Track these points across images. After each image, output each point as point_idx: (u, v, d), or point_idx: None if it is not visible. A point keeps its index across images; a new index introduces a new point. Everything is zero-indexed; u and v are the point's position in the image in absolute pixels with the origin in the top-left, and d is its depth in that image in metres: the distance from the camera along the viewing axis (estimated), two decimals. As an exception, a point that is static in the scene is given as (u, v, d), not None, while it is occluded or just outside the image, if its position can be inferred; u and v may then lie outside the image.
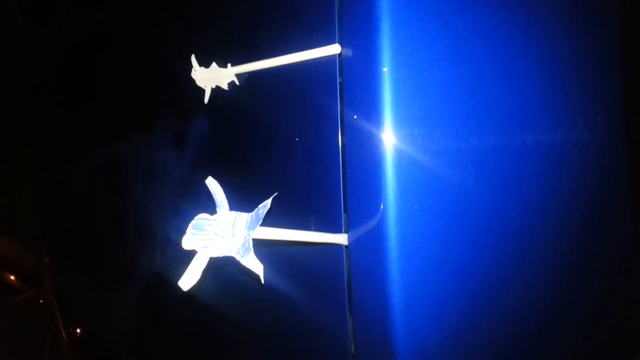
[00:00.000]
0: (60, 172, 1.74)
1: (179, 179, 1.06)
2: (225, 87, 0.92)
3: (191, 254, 0.58)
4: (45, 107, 1.85)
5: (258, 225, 0.58)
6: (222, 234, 0.56)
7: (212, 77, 0.92)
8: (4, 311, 2.09)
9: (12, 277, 2.10)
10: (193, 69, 0.94)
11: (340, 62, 0.76)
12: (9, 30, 2.00)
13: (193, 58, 0.94)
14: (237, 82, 0.91)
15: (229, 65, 0.89)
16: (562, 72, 0.88)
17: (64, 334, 1.76)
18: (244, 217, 0.57)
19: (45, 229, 1.92)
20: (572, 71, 0.90)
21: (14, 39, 2.02)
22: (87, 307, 1.65)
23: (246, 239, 0.57)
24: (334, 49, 0.76)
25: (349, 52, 0.75)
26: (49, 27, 1.80)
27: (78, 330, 1.70)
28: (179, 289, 0.58)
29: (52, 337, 1.86)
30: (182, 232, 0.57)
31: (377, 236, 0.72)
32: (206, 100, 0.95)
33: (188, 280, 0.55)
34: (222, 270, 0.88)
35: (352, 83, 0.75)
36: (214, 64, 0.91)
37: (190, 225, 0.55)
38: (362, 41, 0.73)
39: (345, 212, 0.76)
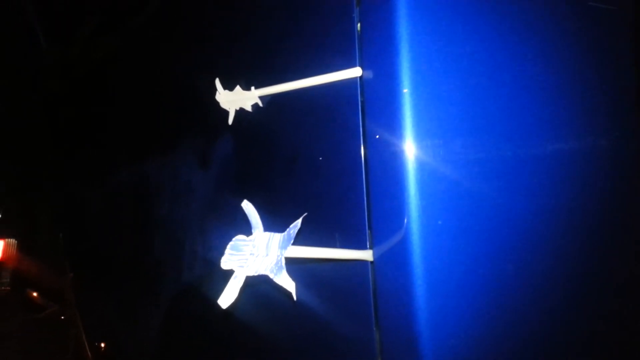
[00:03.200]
0: (84, 190, 1.78)
1: (203, 199, 1.09)
2: (249, 108, 0.95)
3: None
4: (69, 126, 1.90)
5: (290, 245, 0.60)
6: (257, 254, 0.58)
7: (236, 99, 0.95)
8: (28, 328, 2.13)
9: (35, 294, 2.14)
10: (217, 92, 0.97)
11: (361, 84, 0.79)
12: (31, 49, 2.06)
13: (217, 81, 0.97)
14: (260, 104, 0.94)
15: (252, 88, 0.93)
16: (577, 80, 0.90)
17: (87, 349, 1.79)
18: (277, 237, 0.60)
19: (69, 246, 1.96)
20: (586, 79, 0.91)
21: (36, 58, 2.08)
22: (111, 323, 1.67)
23: (279, 258, 0.59)
24: (355, 71, 0.79)
25: (369, 75, 0.78)
26: (72, 47, 1.86)
27: (102, 345, 1.73)
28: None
29: (75, 353, 1.89)
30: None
31: (401, 251, 0.73)
32: (230, 121, 0.98)
33: (227, 298, 0.58)
34: (255, 287, 0.91)
35: (374, 104, 0.77)
36: (237, 87, 0.95)
37: (228, 247, 0.58)
38: (382, 64, 0.76)
39: (369, 228, 0.78)
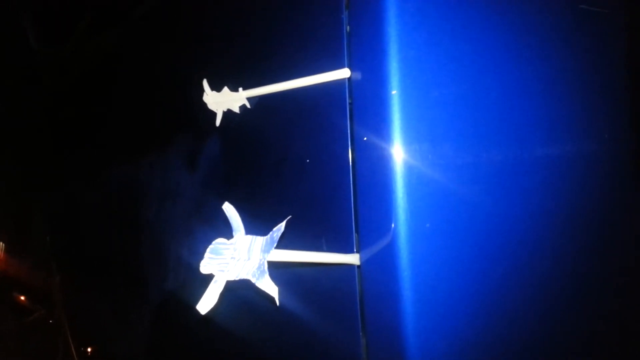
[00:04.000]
0: (71, 191, 1.76)
1: (192, 200, 1.07)
2: (236, 110, 0.94)
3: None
4: (58, 127, 1.88)
5: (273, 248, 0.59)
6: (239, 258, 0.57)
7: (223, 100, 0.94)
8: (15, 331, 2.10)
9: (23, 298, 2.11)
10: (205, 93, 0.96)
11: (349, 85, 0.78)
12: (23, 49, 2.04)
13: (205, 82, 0.96)
14: (248, 106, 0.93)
15: (240, 89, 0.92)
16: (569, 85, 0.90)
17: (74, 353, 1.77)
18: (259, 241, 0.58)
19: (56, 249, 1.94)
20: (578, 84, 0.91)
21: (28, 58, 2.06)
22: (98, 327, 1.65)
23: (261, 262, 0.58)
24: (344, 73, 0.78)
25: (358, 76, 0.77)
26: (64, 47, 1.85)
27: (89, 350, 1.71)
28: (192, 309, 0.59)
29: (63, 357, 1.86)
30: (195, 252, 0.59)
31: (388, 255, 0.72)
32: (218, 123, 0.97)
33: (206, 303, 0.56)
34: (237, 292, 0.90)
35: (362, 105, 0.77)
36: (225, 88, 0.94)
37: (207, 250, 0.57)
38: (370, 65, 0.75)
39: (356, 231, 0.77)
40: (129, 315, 1.41)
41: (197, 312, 0.59)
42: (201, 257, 0.58)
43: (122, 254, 1.43)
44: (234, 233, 0.59)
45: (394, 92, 0.73)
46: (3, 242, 2.11)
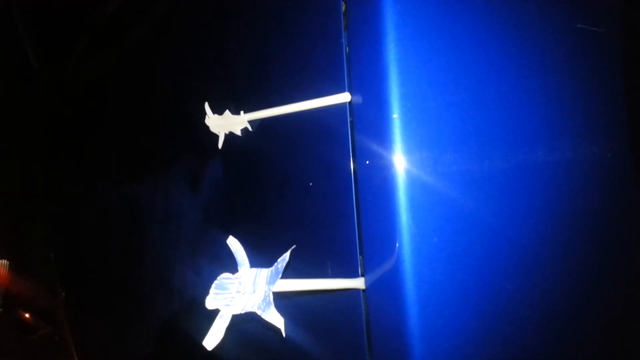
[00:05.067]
0: (75, 210, 1.76)
1: (194, 222, 1.07)
2: (238, 133, 0.94)
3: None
4: (59, 147, 1.89)
5: (278, 279, 0.59)
6: (244, 291, 0.57)
7: (225, 123, 0.94)
8: (20, 349, 2.09)
9: (27, 315, 2.11)
10: (207, 116, 0.96)
11: (350, 109, 0.78)
12: (23, 69, 2.06)
13: (207, 106, 0.96)
14: (249, 128, 0.93)
15: (241, 112, 0.92)
16: (569, 92, 0.90)
17: (79, 372, 1.76)
18: (264, 273, 0.58)
19: (60, 266, 1.94)
20: (578, 89, 0.91)
21: (27, 78, 2.08)
22: (103, 344, 1.65)
23: (267, 294, 0.58)
24: (344, 97, 0.78)
25: (358, 100, 0.77)
26: (63, 67, 1.86)
27: (94, 368, 1.70)
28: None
29: (68, 375, 1.86)
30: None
31: (393, 277, 0.72)
32: (220, 145, 0.97)
33: (212, 339, 0.56)
34: (243, 325, 0.89)
35: (363, 129, 0.77)
36: (227, 112, 0.94)
37: (213, 286, 0.57)
38: (371, 89, 0.76)
39: (361, 254, 0.77)
40: (133, 333, 1.41)
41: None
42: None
43: (126, 272, 1.43)
44: (238, 267, 0.59)
45: (394, 115, 0.73)
46: (7, 260, 2.11)
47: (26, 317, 2.09)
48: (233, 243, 0.60)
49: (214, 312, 0.58)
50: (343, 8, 0.78)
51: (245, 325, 0.88)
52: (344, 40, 0.79)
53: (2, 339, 2.11)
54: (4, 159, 2.21)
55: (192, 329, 1.01)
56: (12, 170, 2.21)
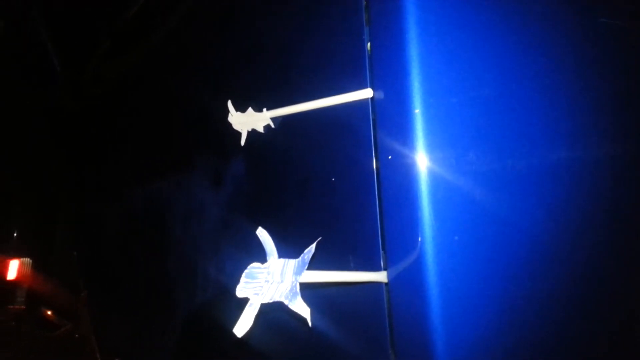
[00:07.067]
0: (98, 209, 1.80)
1: (217, 219, 1.09)
2: (261, 130, 0.96)
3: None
4: (82, 147, 1.93)
5: (304, 270, 0.60)
6: (272, 281, 0.58)
7: (248, 121, 0.96)
8: (42, 346, 2.14)
9: (50, 312, 2.15)
10: (230, 114, 0.98)
11: (372, 104, 0.79)
12: (47, 74, 2.11)
13: (229, 103, 0.98)
14: (272, 125, 0.95)
15: (264, 109, 0.93)
16: (589, 91, 0.89)
17: (101, 368, 1.79)
18: (291, 264, 0.60)
19: (82, 264, 1.97)
20: (598, 89, 0.91)
21: (51, 83, 2.13)
22: (124, 342, 1.67)
23: (294, 284, 0.59)
24: (366, 93, 0.79)
25: (381, 95, 0.78)
26: (86, 69, 1.90)
27: (116, 365, 1.73)
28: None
29: (89, 372, 1.89)
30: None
31: (416, 272, 0.73)
32: (243, 142, 0.99)
33: (242, 327, 0.58)
34: (270, 314, 0.91)
35: (385, 124, 0.77)
36: (249, 109, 0.96)
37: (243, 275, 0.58)
38: (393, 84, 0.76)
39: (383, 249, 0.77)
40: (155, 330, 1.43)
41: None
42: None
43: (148, 269, 1.46)
44: (267, 257, 0.61)
45: (417, 110, 0.73)
46: (30, 258, 2.16)
47: (48, 315, 2.13)
48: (262, 234, 0.61)
49: (243, 302, 0.60)
50: (364, 3, 0.79)
51: (272, 315, 0.89)
52: (365, 35, 0.80)
53: (24, 336, 2.16)
54: (28, 159, 2.27)
55: (217, 320, 1.02)
56: (36, 170, 2.27)
